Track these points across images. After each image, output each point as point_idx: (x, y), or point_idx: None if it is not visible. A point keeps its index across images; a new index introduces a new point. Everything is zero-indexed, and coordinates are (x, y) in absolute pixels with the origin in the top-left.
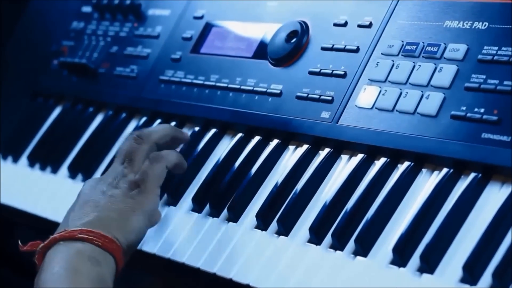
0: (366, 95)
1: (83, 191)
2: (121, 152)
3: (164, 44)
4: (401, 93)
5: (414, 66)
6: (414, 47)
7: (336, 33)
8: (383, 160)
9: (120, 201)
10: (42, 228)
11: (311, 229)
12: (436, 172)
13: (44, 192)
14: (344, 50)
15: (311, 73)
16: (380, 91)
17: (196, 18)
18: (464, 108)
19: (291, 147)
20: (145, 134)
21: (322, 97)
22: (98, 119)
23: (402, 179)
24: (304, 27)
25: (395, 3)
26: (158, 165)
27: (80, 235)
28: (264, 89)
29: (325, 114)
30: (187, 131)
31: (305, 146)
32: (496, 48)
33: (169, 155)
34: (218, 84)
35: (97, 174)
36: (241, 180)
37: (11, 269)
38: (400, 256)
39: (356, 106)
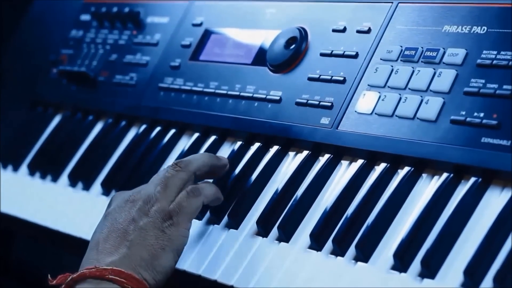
0: (365, 101)
1: (112, 211)
2: (157, 177)
3: (163, 51)
4: (400, 98)
5: (413, 71)
6: (413, 52)
7: (335, 39)
8: (383, 165)
9: (151, 235)
10: (42, 237)
11: (312, 235)
12: (436, 177)
13: (45, 200)
14: (343, 55)
15: (310, 79)
16: (379, 97)
17: (195, 25)
18: (463, 113)
19: (291, 153)
20: (184, 163)
21: (321, 103)
22: (98, 127)
23: (402, 184)
24: (303, 33)
25: (394, 9)
26: (195, 199)
27: (110, 276)
28: (264, 96)
29: (324, 120)
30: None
31: (305, 152)
32: (495, 52)
33: (207, 189)
34: (217, 91)
35: (97, 182)
36: (242, 186)
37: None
38: (401, 262)
39: (355, 111)
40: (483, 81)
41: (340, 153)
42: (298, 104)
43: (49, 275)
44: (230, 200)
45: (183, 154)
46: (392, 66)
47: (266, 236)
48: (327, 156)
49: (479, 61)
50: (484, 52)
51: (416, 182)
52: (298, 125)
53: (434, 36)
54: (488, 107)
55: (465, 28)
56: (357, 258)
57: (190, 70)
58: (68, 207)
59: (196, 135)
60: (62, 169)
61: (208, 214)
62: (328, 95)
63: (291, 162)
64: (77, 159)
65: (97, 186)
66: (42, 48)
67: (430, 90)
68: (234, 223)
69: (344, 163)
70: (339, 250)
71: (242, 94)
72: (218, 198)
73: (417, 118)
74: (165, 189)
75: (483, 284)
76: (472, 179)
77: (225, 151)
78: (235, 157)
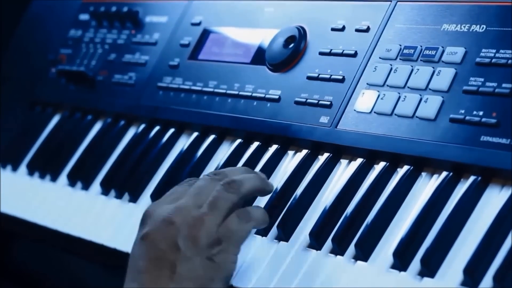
0: (364, 99)
1: (150, 234)
2: (201, 192)
3: (162, 51)
4: (399, 97)
5: (412, 70)
6: (412, 50)
7: (334, 38)
8: (382, 164)
9: (199, 266)
10: (41, 237)
11: (311, 234)
12: (435, 176)
13: (44, 200)
14: (342, 54)
15: (309, 78)
16: (378, 95)
17: (193, 24)
18: (462, 111)
19: (290, 152)
20: (237, 184)
21: (320, 102)
22: (97, 127)
23: (401, 183)
24: (302, 32)
25: (393, 7)
26: (246, 225)
27: None
28: (263, 95)
29: (324, 119)
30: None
31: (304, 151)
32: (494, 50)
33: (257, 213)
34: (216, 90)
35: (97, 182)
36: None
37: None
38: (401, 260)
39: (354, 110)
40: (482, 79)
41: (339, 152)
42: (297, 103)
43: None
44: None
45: (182, 153)
46: (391, 64)
47: (266, 235)
48: (326, 155)
49: (478, 59)
50: (483, 50)
51: (416, 180)
52: (297, 124)
53: (433, 34)
54: (487, 106)
55: (464, 26)
56: (356, 257)
57: (189, 69)
58: (67, 207)
59: (195, 134)
60: (61, 169)
61: None
62: (327, 94)
63: (290, 161)
64: (76, 159)
65: (96, 186)
66: (41, 48)
67: (429, 89)
68: None
69: (344, 162)
70: (338, 249)
71: (241, 93)
72: (266, 223)
73: (416, 117)
74: (214, 211)
75: (483, 283)
76: (472, 178)
77: (224, 150)
78: (234, 156)
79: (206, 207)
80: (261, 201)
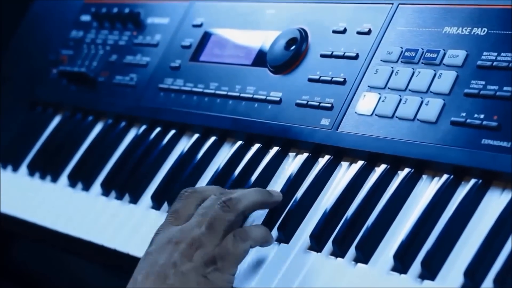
0: (365, 102)
1: (153, 252)
2: (205, 213)
3: (163, 52)
4: (400, 100)
5: (413, 73)
6: (413, 53)
7: (335, 40)
8: (383, 166)
9: (193, 281)
10: (42, 237)
11: (312, 236)
12: (436, 179)
13: (44, 201)
14: (343, 57)
15: (310, 80)
16: (379, 98)
17: (195, 26)
18: (464, 114)
19: (291, 155)
20: (233, 202)
21: (321, 104)
22: (98, 127)
23: (402, 186)
24: (303, 35)
25: (394, 10)
26: (243, 244)
27: None
28: (264, 97)
29: (324, 121)
30: (189, 139)
31: (305, 153)
32: (496, 54)
33: (255, 232)
34: (217, 92)
35: (97, 183)
36: (241, 188)
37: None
38: (401, 263)
39: (355, 113)
40: (483, 82)
41: (340, 154)
42: (298, 105)
43: None
44: None
45: (182, 155)
46: (392, 67)
47: None
48: (327, 157)
49: (479, 62)
50: (485, 53)
51: (416, 183)
52: (298, 126)
53: (434, 37)
54: (488, 109)
55: (466, 29)
56: (357, 259)
57: (190, 71)
58: (68, 208)
59: (196, 136)
60: (62, 170)
61: None
62: (328, 96)
63: (291, 163)
64: (77, 160)
65: (96, 187)
66: (42, 49)
67: (431, 92)
68: None
69: (344, 164)
70: (339, 251)
71: (242, 95)
72: (268, 240)
73: (417, 120)
74: (211, 231)
75: (484, 285)
76: (473, 181)
77: (225, 152)
78: (235, 158)
79: (204, 227)
80: None
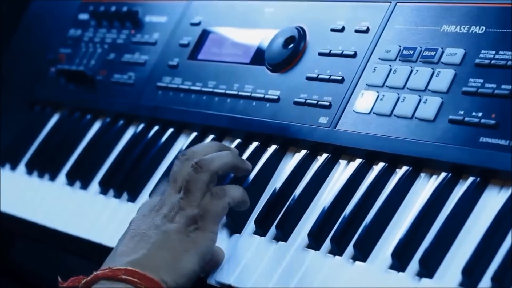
0: (364, 100)
1: (135, 219)
2: (177, 178)
3: (162, 50)
4: (398, 98)
5: (411, 71)
6: (412, 51)
7: (333, 39)
8: (381, 165)
9: (174, 239)
10: (40, 236)
11: (310, 234)
12: (434, 177)
13: (42, 199)
14: (341, 55)
15: (308, 78)
16: (377, 96)
17: (193, 24)
18: (462, 112)
19: (289, 153)
20: (205, 162)
21: (320, 102)
22: (96, 126)
23: (400, 184)
24: (302, 33)
25: (392, 8)
26: (220, 201)
27: (123, 276)
28: (262, 95)
29: (323, 120)
30: (187, 138)
31: (303, 152)
32: (494, 52)
33: (232, 190)
34: (215, 90)
35: (95, 181)
36: (240, 186)
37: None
38: (399, 261)
39: (354, 111)
40: (481, 80)
41: (338, 152)
42: (296, 103)
43: (59, 277)
44: None
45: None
46: (390, 65)
47: (264, 236)
48: (325, 155)
49: (477, 60)
50: (483, 52)
51: (414, 181)
52: (296, 124)
53: (432, 35)
54: (486, 107)
55: (464, 28)
56: (355, 258)
57: (188, 69)
58: (66, 206)
59: (194, 134)
60: (60, 168)
61: None
62: (327, 95)
63: (289, 161)
64: (75, 158)
65: (94, 185)
66: (41, 47)
67: (429, 90)
68: (233, 223)
69: (342, 162)
70: (337, 249)
71: (240, 93)
72: (245, 201)
73: (415, 118)
74: (187, 194)
75: (481, 283)
76: (470, 179)
77: None
78: None
79: (182, 192)
80: (261, 202)
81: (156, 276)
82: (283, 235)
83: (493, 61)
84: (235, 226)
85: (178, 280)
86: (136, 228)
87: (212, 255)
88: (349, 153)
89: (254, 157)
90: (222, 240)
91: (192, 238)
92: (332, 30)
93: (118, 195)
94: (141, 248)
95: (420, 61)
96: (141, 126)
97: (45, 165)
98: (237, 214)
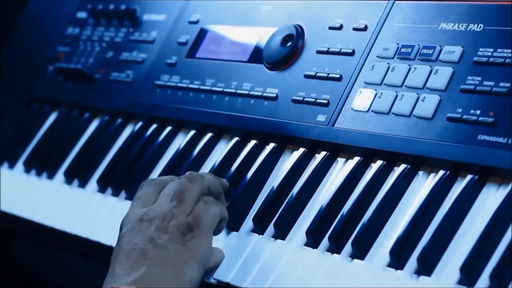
0: (362, 98)
1: (126, 234)
2: (170, 191)
3: (160, 49)
4: (396, 96)
5: (409, 69)
6: (410, 49)
7: (331, 37)
8: (379, 163)
9: (173, 251)
10: (38, 234)
11: (308, 232)
12: (432, 175)
13: (40, 198)
14: (339, 53)
15: (306, 76)
16: (376, 94)
17: (191, 22)
18: (460, 110)
19: (287, 151)
20: (198, 175)
21: (318, 100)
22: (94, 124)
23: (398, 182)
24: (300, 31)
25: (390, 6)
26: (214, 208)
27: None
28: (260, 93)
29: (321, 118)
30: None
31: (301, 150)
32: (492, 49)
33: (221, 205)
34: (213, 88)
35: (93, 179)
36: (238, 184)
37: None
38: (397, 259)
39: (352, 109)
40: (479, 78)
41: (337, 150)
42: (294, 101)
43: None
44: (226, 197)
45: (179, 151)
46: (388, 63)
47: (262, 234)
48: (323, 153)
49: (475, 58)
50: (481, 49)
51: (413, 179)
52: (295, 122)
53: (430, 33)
54: (484, 105)
55: (462, 25)
56: (353, 255)
57: (186, 67)
58: (64, 204)
59: (192, 132)
60: (58, 166)
61: None
62: (325, 93)
63: (288, 159)
64: (73, 157)
65: (93, 184)
66: (39, 46)
67: (427, 88)
68: (230, 221)
69: (341, 160)
70: (335, 247)
71: (238, 91)
72: (226, 221)
73: (414, 116)
74: (180, 203)
75: (480, 281)
76: (469, 177)
77: (221, 149)
78: (231, 154)
79: (175, 201)
80: (259, 200)
81: None
82: (281, 233)
83: (491, 59)
84: (232, 224)
85: None
86: (129, 243)
87: (211, 257)
88: (347, 151)
89: (252, 155)
90: (220, 238)
91: (190, 248)
92: (330, 28)
93: (116, 194)
94: (140, 266)
95: (418, 59)
96: (139, 124)
97: (43, 164)
98: (235, 211)
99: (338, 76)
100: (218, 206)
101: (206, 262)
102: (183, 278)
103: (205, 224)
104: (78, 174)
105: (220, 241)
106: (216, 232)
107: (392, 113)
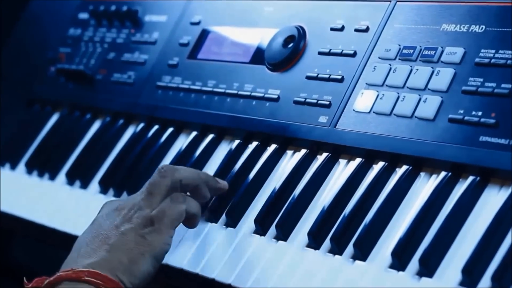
0: (363, 99)
1: (98, 217)
2: (147, 184)
3: (161, 50)
4: (398, 97)
5: (411, 70)
6: (411, 51)
7: (333, 38)
8: (381, 164)
9: (131, 240)
10: (40, 235)
11: (310, 233)
12: (434, 176)
13: (42, 199)
14: (341, 54)
15: (308, 77)
16: (377, 95)
17: (193, 23)
18: (461, 112)
19: (289, 152)
20: (170, 169)
21: (319, 101)
22: (96, 125)
23: (400, 183)
24: (301, 32)
25: (392, 7)
26: (179, 206)
27: (86, 278)
28: (262, 94)
29: (322, 119)
30: (187, 137)
31: (303, 151)
32: (493, 51)
33: (191, 202)
34: (215, 89)
35: (95, 180)
36: (239, 185)
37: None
38: (399, 260)
39: (353, 110)
40: (481, 79)
41: (338, 151)
42: (296, 102)
43: (24, 279)
44: (227, 198)
45: (181, 153)
46: (390, 64)
47: (264, 235)
48: (325, 154)
49: (477, 59)
50: (482, 51)
51: (414, 180)
52: (296, 123)
53: (432, 35)
54: (486, 106)
55: (463, 27)
56: (355, 257)
57: (188, 68)
58: (66, 206)
59: (194, 133)
60: (60, 168)
61: (206, 212)
62: (326, 94)
63: (289, 160)
64: (75, 158)
65: (94, 185)
66: (40, 47)
67: (428, 89)
68: (232, 222)
69: (342, 161)
70: (337, 249)
71: (240, 92)
72: (197, 219)
73: (415, 117)
74: (149, 196)
75: (481, 282)
76: (470, 178)
77: (222, 150)
78: (233, 155)
79: (144, 194)
80: (261, 201)
81: (115, 278)
82: (283, 234)
83: (493, 60)
84: (234, 225)
85: (133, 281)
86: (99, 228)
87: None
88: (349, 152)
89: (254, 157)
90: (222, 239)
91: (148, 241)
92: (332, 29)
93: (117, 195)
94: (100, 250)
95: (420, 60)
96: (141, 125)
97: (44, 165)
98: (237, 212)
99: (339, 77)
100: (184, 204)
101: (161, 257)
102: (136, 268)
103: (167, 220)
104: (80, 175)
105: (221, 241)
106: (190, 226)
107: (394, 114)
